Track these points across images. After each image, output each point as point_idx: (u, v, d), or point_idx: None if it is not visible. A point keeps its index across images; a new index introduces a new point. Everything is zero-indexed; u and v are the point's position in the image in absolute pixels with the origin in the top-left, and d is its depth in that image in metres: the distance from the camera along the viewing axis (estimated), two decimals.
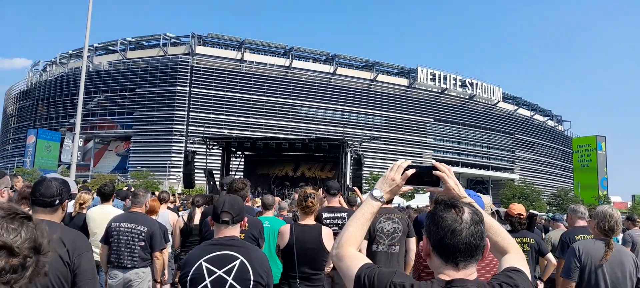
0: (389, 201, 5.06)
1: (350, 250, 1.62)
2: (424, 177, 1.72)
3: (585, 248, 3.52)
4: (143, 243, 4.75)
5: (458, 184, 1.70)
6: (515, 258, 1.59)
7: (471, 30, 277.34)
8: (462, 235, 1.38)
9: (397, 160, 1.82)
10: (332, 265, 4.32)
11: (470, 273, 1.40)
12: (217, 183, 19.55)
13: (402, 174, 1.71)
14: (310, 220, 4.15)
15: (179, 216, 7.14)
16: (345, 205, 5.65)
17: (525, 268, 1.54)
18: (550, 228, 9.89)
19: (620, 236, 7.34)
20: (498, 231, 1.67)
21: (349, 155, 22.30)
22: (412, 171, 1.70)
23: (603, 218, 3.54)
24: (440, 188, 1.69)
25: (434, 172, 1.69)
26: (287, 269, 3.92)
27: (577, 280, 3.50)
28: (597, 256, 3.44)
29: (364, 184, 23.25)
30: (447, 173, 1.68)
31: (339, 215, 4.99)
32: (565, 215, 7.12)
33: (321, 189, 5.41)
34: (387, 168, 1.79)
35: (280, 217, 7.16)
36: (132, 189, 14.35)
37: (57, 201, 2.59)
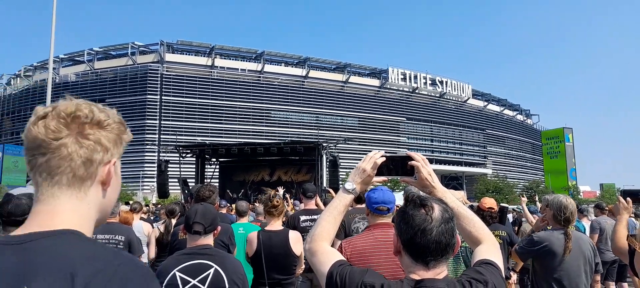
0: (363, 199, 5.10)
1: (322, 245, 1.60)
2: (398, 167, 1.69)
3: (545, 239, 3.54)
4: None
5: (432, 174, 1.67)
6: (489, 249, 1.57)
7: (440, 29, 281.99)
8: (432, 234, 1.36)
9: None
10: (303, 267, 4.29)
11: (440, 271, 1.40)
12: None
13: (373, 164, 1.68)
14: (277, 224, 4.08)
15: (153, 227, 7.01)
16: (322, 207, 5.66)
17: (498, 259, 1.52)
18: (523, 220, 10.12)
19: (588, 223, 7.57)
20: (472, 221, 1.65)
21: (324, 157, 22.30)
22: (382, 160, 1.67)
23: (559, 210, 3.51)
24: (414, 179, 1.67)
25: (409, 162, 1.66)
26: (257, 276, 3.87)
27: (524, 262, 3.63)
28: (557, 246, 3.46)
29: (341, 185, 23.24)
30: (422, 163, 1.66)
31: (316, 217, 4.99)
32: (539, 207, 7.30)
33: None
34: None
35: (257, 222, 7.10)
36: None
37: None
